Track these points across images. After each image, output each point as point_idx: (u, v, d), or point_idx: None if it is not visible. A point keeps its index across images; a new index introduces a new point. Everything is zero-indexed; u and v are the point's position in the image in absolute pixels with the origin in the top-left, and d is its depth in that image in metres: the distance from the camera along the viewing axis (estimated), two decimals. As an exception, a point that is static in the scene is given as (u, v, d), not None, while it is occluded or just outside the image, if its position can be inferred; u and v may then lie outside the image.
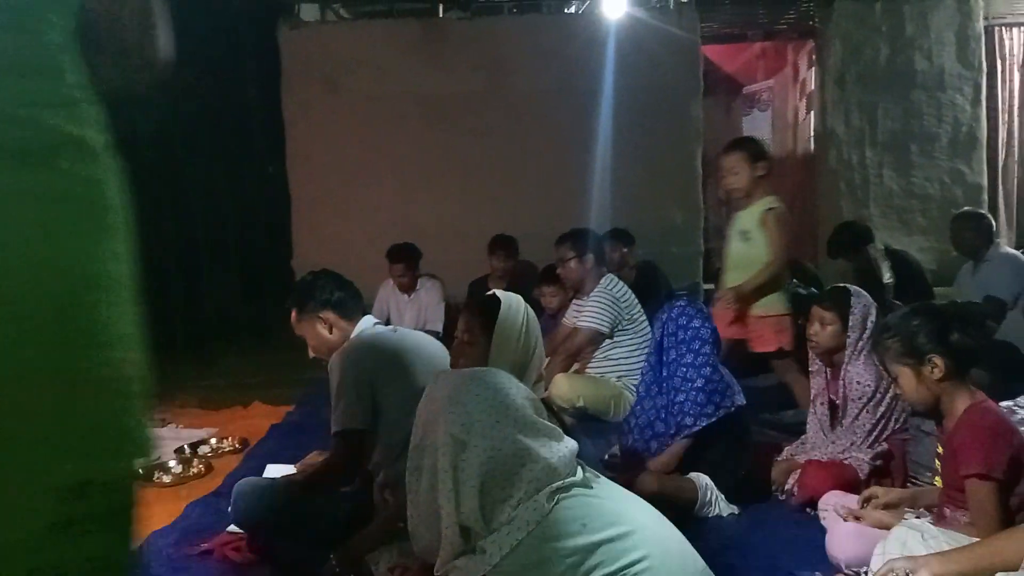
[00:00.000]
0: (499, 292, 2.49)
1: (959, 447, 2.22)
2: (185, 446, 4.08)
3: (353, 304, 2.90)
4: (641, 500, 1.80)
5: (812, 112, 8.12)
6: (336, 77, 7.33)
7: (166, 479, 3.67)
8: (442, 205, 7.24)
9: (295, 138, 7.40)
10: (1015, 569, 1.83)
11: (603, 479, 1.73)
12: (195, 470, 3.75)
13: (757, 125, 9.71)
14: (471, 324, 2.36)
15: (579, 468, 1.67)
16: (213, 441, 4.17)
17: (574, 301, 4.68)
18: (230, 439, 4.19)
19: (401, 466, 2.61)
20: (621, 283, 4.57)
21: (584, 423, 4.05)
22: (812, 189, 8.10)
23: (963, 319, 2.38)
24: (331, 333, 2.85)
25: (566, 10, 7.71)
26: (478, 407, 1.57)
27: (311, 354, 2.94)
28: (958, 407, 2.28)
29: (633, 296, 4.55)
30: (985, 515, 2.13)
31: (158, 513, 3.18)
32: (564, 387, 4.23)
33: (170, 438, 4.28)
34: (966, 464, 2.17)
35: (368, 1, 7.67)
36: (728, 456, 3.10)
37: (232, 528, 2.86)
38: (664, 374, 3.18)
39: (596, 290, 4.49)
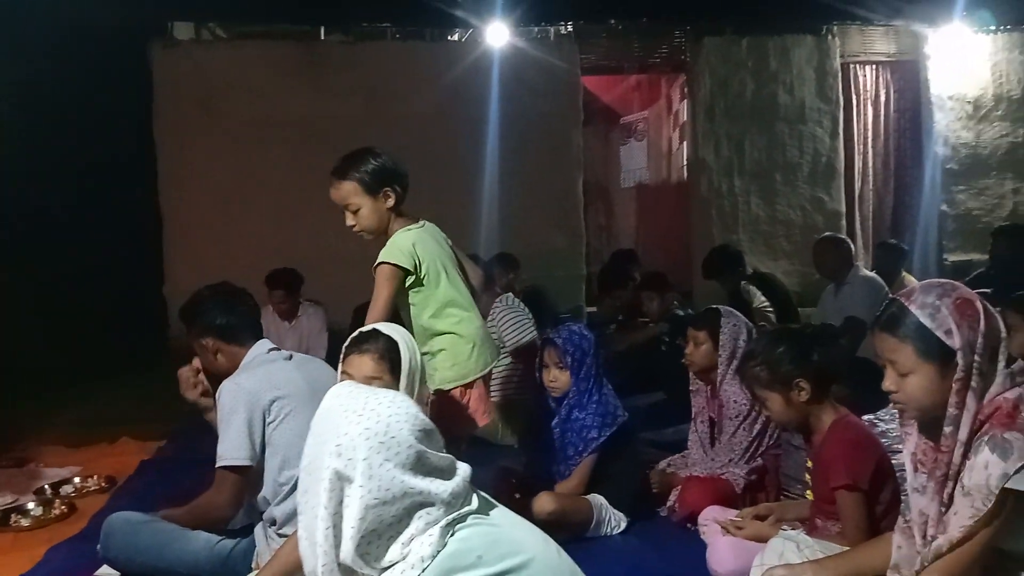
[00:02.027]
0: (385, 327, 2.44)
1: (827, 461, 2.35)
2: (46, 486, 3.84)
3: (243, 328, 2.72)
4: (533, 527, 1.79)
5: (685, 142, 8.47)
6: (211, 99, 7.12)
7: (24, 523, 3.43)
8: (322, 230, 7.05)
9: (167, 161, 7.12)
10: (882, 574, 1.94)
11: (499, 506, 1.71)
12: (57, 512, 3.52)
13: (634, 154, 10.05)
14: (381, 368, 2.32)
15: (474, 496, 1.64)
16: (77, 480, 3.93)
17: None
18: (95, 477, 3.96)
19: (289, 506, 2.52)
20: (514, 298, 4.61)
21: (470, 446, 4.04)
22: (685, 216, 8.43)
23: (822, 340, 2.52)
24: (217, 358, 2.70)
25: (449, 38, 7.77)
26: (365, 443, 1.47)
27: (210, 377, 2.78)
28: (824, 423, 2.43)
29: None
30: (854, 524, 2.25)
31: (16, 559, 2.97)
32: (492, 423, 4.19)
33: (29, 478, 4.00)
34: (834, 477, 2.30)
35: (246, 21, 7.50)
36: (624, 470, 3.18)
37: (101, 573, 2.70)
38: (567, 395, 3.21)
39: (498, 310, 4.49)
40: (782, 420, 2.51)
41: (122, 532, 2.56)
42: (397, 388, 2.27)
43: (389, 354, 2.37)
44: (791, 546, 2.19)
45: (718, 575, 2.56)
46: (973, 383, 1.69)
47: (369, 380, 2.27)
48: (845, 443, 2.34)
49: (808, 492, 2.61)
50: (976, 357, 1.68)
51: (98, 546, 2.62)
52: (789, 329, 2.69)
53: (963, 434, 1.68)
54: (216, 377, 2.68)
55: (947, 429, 1.70)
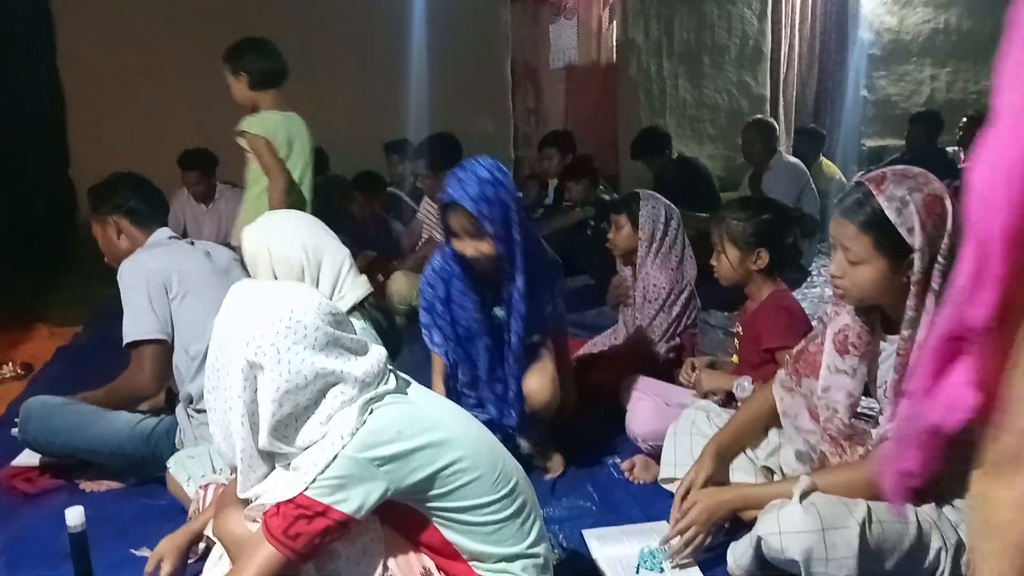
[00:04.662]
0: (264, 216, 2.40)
1: (763, 324, 2.51)
2: (-42, 375, 3.74)
3: (152, 214, 2.79)
4: (455, 405, 1.84)
5: (614, 22, 8.30)
6: (112, -34, 6.63)
7: (-64, 411, 3.35)
8: (239, 111, 6.78)
9: (66, 36, 6.67)
10: (768, 425, 2.11)
11: (415, 384, 1.74)
12: (-29, 400, 3.45)
13: (563, 34, 9.78)
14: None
15: (391, 375, 1.66)
16: (-9, 368, 3.84)
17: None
18: (11, 364, 3.91)
19: (203, 381, 2.52)
20: None
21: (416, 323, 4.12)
22: (614, 99, 8.35)
23: (801, 227, 2.61)
24: (119, 239, 2.74)
25: (368, -96, 7.32)
26: (272, 328, 1.49)
27: (106, 259, 2.81)
28: (764, 293, 2.57)
29: None
30: None
31: (-71, 448, 2.90)
32: (403, 285, 4.24)
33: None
34: (768, 338, 2.47)
35: None
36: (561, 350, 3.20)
37: (20, 460, 2.68)
38: None
39: None
40: (726, 274, 2.62)
41: (39, 416, 2.53)
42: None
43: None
44: (702, 415, 2.30)
45: (635, 436, 2.70)
46: (934, 284, 1.62)
47: None
48: (783, 310, 2.51)
49: (734, 356, 2.73)
50: (940, 259, 1.61)
51: (15, 431, 2.59)
52: (780, 205, 2.77)
53: (921, 336, 1.63)
54: (117, 261, 2.68)
55: (905, 332, 1.66)
